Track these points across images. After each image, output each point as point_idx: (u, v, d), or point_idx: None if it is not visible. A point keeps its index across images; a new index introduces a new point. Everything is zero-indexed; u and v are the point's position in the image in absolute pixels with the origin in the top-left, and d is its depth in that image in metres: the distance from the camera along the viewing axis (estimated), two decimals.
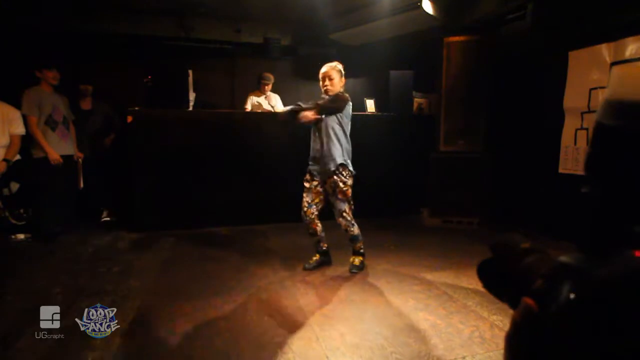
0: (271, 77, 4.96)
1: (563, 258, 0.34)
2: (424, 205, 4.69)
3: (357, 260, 3.02)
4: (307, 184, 2.96)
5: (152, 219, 4.11)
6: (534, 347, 0.29)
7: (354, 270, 2.97)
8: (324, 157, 2.86)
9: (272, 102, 5.07)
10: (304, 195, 2.96)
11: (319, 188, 2.94)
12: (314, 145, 2.93)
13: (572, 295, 0.27)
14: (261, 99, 5.01)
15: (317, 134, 2.90)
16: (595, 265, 0.30)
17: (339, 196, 2.86)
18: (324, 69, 2.90)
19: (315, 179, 2.94)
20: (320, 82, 2.90)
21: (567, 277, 0.29)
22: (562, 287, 0.29)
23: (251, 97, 5.01)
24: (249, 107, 4.98)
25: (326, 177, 2.88)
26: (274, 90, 5.16)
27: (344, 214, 2.89)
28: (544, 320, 0.29)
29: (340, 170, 2.85)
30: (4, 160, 3.59)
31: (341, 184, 2.84)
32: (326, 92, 2.87)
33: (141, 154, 4.08)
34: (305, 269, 3.00)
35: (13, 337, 2.00)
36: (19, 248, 3.60)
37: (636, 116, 0.32)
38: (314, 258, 3.06)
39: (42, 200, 3.73)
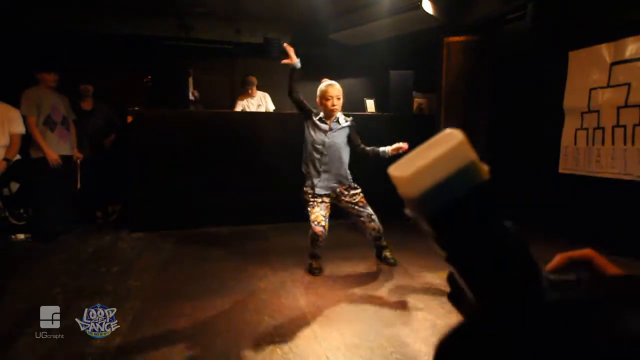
0: (254, 80, 5.00)
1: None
2: None
3: (389, 253, 3.13)
4: (318, 199, 2.88)
5: (152, 219, 4.11)
6: None
7: (393, 261, 3.09)
8: (341, 170, 2.90)
9: (262, 102, 5.08)
10: (317, 209, 2.84)
11: (328, 202, 2.93)
12: (327, 160, 2.86)
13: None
14: (249, 102, 5.02)
15: (330, 149, 2.86)
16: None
17: (363, 202, 2.93)
18: (336, 90, 2.85)
19: (324, 195, 2.90)
20: (330, 101, 2.82)
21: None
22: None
23: (239, 102, 5.02)
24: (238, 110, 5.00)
25: (342, 189, 2.90)
26: (274, 90, 5.17)
27: (373, 216, 2.93)
28: None
29: (352, 180, 2.97)
30: (5, 159, 3.60)
31: (360, 192, 2.95)
32: (333, 111, 2.84)
33: (141, 154, 4.08)
34: (316, 275, 2.91)
35: (13, 337, 2.00)
36: (19, 248, 3.60)
37: (419, 205, 0.34)
38: (319, 263, 3.00)
39: (42, 200, 3.73)
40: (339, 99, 2.84)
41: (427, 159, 0.33)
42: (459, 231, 0.34)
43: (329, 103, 2.82)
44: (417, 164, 0.33)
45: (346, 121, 2.93)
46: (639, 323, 0.22)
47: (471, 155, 0.34)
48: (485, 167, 0.35)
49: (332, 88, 2.83)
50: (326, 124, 2.88)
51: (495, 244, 0.34)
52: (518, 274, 0.34)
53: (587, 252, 0.40)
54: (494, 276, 0.34)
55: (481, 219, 0.33)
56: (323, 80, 2.95)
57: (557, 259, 0.40)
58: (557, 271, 0.39)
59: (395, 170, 0.34)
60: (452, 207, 0.33)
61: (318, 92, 2.88)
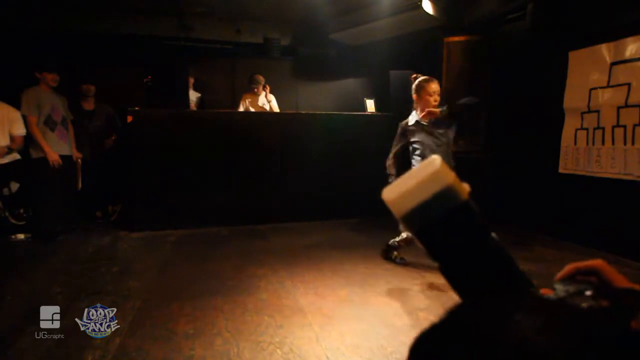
0: (261, 79, 4.95)
1: None
2: None
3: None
4: None
5: (152, 219, 4.11)
6: None
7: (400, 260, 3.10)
8: None
9: (265, 102, 5.05)
10: None
11: None
12: (433, 154, 2.80)
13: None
14: (253, 100, 4.99)
15: (439, 145, 2.80)
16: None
17: None
18: (437, 85, 2.76)
19: None
20: (432, 97, 2.75)
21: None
22: None
23: (244, 98, 4.99)
24: (241, 109, 4.97)
25: None
26: (273, 90, 5.16)
27: None
28: None
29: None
30: (8, 148, 3.59)
31: None
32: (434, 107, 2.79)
33: (141, 154, 4.08)
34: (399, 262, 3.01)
35: (13, 337, 2.00)
36: (19, 248, 3.60)
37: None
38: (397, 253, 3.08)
39: (42, 200, 3.73)
40: (439, 95, 2.78)
41: (410, 185, 0.38)
42: (441, 246, 0.38)
43: (432, 99, 2.77)
44: (401, 189, 0.38)
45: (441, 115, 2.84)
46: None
47: (448, 180, 0.38)
48: (465, 188, 0.39)
49: (434, 83, 2.77)
50: (426, 125, 2.79)
51: (475, 258, 0.38)
52: (499, 284, 0.38)
53: (595, 263, 0.40)
54: (478, 286, 0.38)
55: (460, 235, 0.38)
56: (415, 75, 2.84)
57: (566, 268, 0.41)
58: (565, 281, 0.40)
59: (385, 194, 0.39)
60: (433, 225, 0.38)
61: (415, 88, 2.80)
